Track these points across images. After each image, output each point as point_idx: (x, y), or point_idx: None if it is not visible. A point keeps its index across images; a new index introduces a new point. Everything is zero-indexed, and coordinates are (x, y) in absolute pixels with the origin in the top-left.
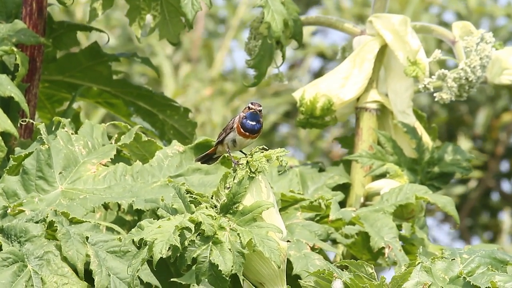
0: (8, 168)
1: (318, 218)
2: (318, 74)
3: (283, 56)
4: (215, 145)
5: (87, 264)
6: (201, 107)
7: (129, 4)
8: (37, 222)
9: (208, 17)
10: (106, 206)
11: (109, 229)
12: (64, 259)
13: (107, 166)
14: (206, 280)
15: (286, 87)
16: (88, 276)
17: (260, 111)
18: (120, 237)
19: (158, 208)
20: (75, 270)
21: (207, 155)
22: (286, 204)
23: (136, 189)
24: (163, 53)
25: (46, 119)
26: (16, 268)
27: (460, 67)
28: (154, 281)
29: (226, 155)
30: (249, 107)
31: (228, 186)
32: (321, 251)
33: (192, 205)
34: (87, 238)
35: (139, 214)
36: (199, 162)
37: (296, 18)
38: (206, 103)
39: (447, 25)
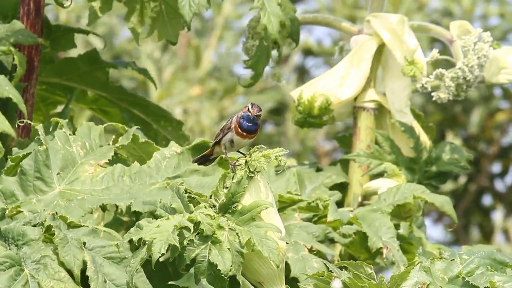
0: (6, 168)
1: (316, 218)
2: (301, 70)
3: (279, 56)
4: (212, 146)
5: (83, 269)
6: (189, 109)
7: (127, 7)
8: (35, 226)
9: (194, 16)
10: (103, 207)
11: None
12: (61, 263)
13: (105, 167)
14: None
15: (272, 84)
16: (84, 281)
17: (258, 116)
18: (117, 243)
19: (156, 211)
20: (71, 275)
21: (204, 156)
22: (283, 205)
23: (134, 191)
24: (145, 55)
25: (39, 121)
26: (13, 272)
27: (458, 67)
28: None
29: (223, 156)
30: (248, 109)
31: (227, 186)
32: (319, 252)
33: (191, 205)
34: (84, 243)
35: (137, 215)
36: (196, 163)
37: (293, 18)
38: (194, 104)
39: (439, 24)
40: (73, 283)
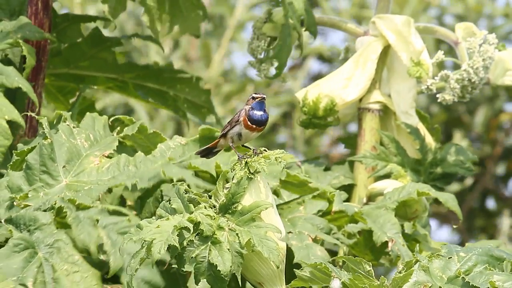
0: (11, 163)
1: (320, 213)
2: (317, 76)
3: (301, 46)
4: (218, 138)
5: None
6: None
7: (143, 6)
8: (45, 211)
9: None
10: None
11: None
12: (75, 246)
13: (110, 157)
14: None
15: (285, 88)
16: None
17: (264, 99)
18: (129, 218)
19: (162, 183)
20: (85, 257)
21: (208, 148)
22: (289, 186)
23: (140, 174)
24: (153, 52)
25: (64, 109)
26: (27, 254)
27: (463, 68)
28: (157, 278)
29: (230, 147)
30: (253, 97)
31: (227, 186)
32: (323, 245)
33: (191, 205)
34: (97, 220)
35: (142, 201)
36: (199, 156)
37: (308, 9)
38: None
39: (445, 26)
40: (87, 265)
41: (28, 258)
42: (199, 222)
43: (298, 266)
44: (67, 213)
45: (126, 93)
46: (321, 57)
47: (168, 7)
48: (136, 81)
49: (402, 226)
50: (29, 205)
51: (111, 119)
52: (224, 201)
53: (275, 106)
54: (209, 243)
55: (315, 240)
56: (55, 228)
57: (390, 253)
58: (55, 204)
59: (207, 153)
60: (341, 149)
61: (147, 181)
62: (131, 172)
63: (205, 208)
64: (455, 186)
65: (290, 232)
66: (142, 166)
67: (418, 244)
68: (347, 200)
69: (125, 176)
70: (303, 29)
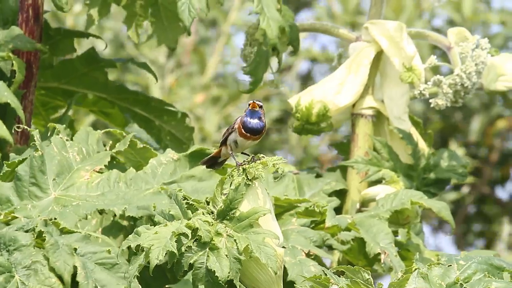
0: (1, 174)
1: (313, 224)
2: (306, 77)
3: (279, 63)
4: (219, 146)
5: (74, 274)
6: (192, 116)
7: (126, 11)
8: (27, 231)
9: (200, 23)
10: (101, 212)
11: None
12: (52, 269)
13: (101, 172)
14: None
15: (276, 92)
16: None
17: (260, 106)
18: (109, 249)
19: (153, 215)
20: (62, 280)
21: (213, 158)
22: (280, 210)
23: (129, 196)
24: (147, 60)
25: (40, 126)
26: (2, 279)
27: (456, 73)
28: None
29: (229, 154)
30: (249, 104)
31: (225, 192)
32: (316, 257)
33: (189, 211)
34: (75, 249)
35: (135, 219)
36: (204, 166)
37: (292, 24)
38: (198, 111)
39: (440, 31)
40: None
41: (4, 283)
42: (197, 228)
43: (292, 282)
44: (46, 239)
45: (108, 120)
46: (312, 58)
47: (150, 14)
48: (124, 103)
49: (396, 232)
50: (16, 217)
51: (103, 131)
52: (222, 207)
53: (267, 111)
54: (207, 249)
55: (308, 255)
56: (33, 249)
57: (382, 265)
58: (36, 226)
59: (212, 163)
60: (331, 153)
61: (136, 210)
62: (121, 190)
63: (203, 214)
64: (452, 195)
65: (283, 247)
66: (133, 186)
67: (417, 253)
68: (340, 205)
69: (114, 195)
70: (287, 43)
